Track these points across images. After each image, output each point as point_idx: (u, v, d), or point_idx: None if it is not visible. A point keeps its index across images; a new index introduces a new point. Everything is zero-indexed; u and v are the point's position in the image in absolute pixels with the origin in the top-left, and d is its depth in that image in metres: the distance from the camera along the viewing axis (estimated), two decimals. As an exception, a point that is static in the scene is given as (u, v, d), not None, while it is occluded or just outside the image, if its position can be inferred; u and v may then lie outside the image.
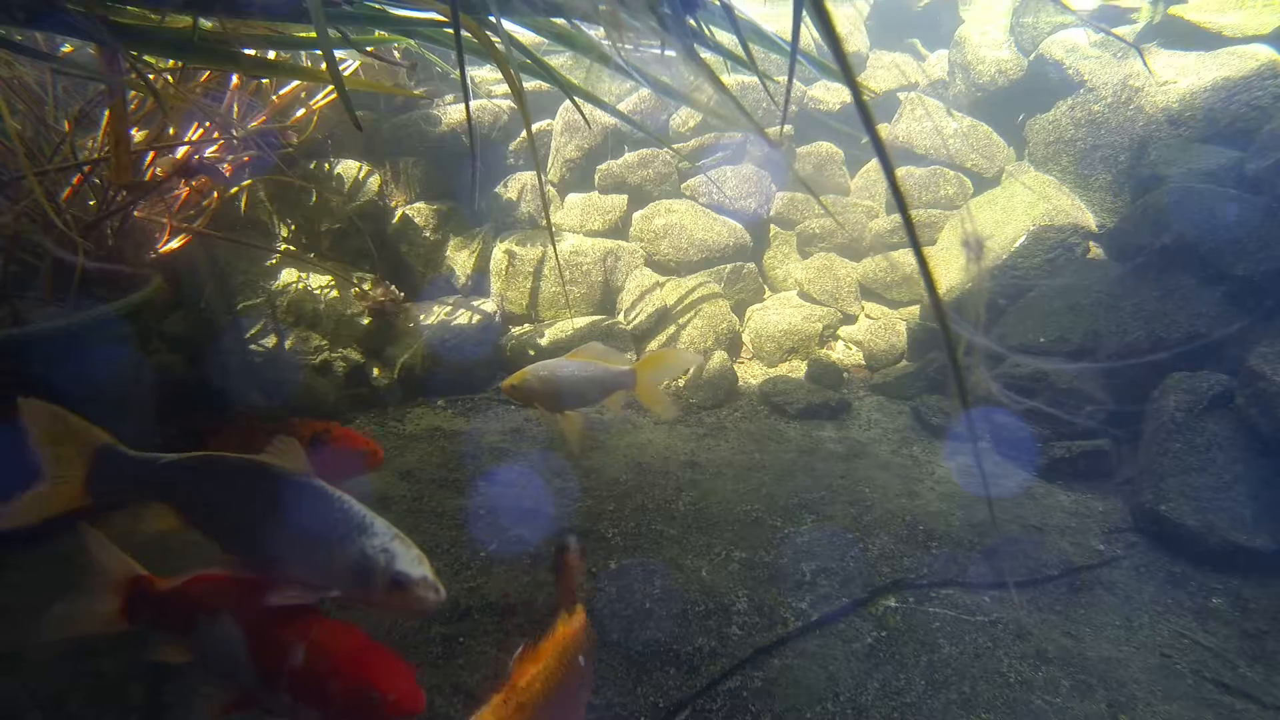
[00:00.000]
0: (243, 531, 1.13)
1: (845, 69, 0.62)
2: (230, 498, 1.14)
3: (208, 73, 2.55)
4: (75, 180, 2.20)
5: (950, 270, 3.01)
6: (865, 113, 0.64)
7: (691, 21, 1.53)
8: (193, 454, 1.17)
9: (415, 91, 3.44)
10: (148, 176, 2.43)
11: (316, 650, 1.02)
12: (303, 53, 2.85)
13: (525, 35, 2.41)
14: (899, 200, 0.69)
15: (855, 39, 3.80)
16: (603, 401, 1.81)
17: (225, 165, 2.70)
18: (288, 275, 3.20)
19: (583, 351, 1.80)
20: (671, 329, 3.12)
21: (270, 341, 2.91)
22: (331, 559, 1.05)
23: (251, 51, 1.99)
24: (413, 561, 1.05)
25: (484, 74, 3.61)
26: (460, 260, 3.43)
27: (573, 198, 3.56)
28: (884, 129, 3.62)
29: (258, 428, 1.70)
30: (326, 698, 1.00)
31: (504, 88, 3.55)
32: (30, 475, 1.51)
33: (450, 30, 1.79)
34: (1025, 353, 2.59)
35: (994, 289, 2.73)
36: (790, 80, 1.01)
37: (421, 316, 3.08)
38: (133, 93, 2.23)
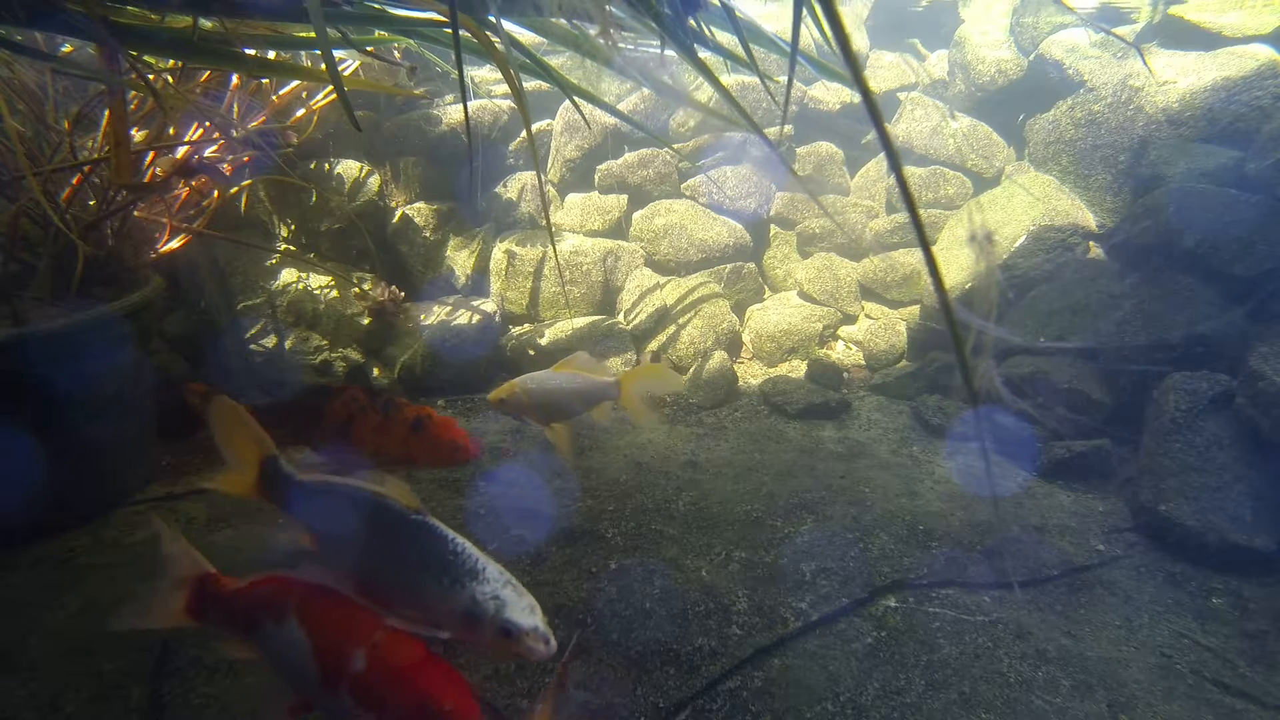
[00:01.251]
0: (360, 565, 1.14)
1: (852, 65, 0.62)
2: (349, 530, 1.16)
3: (208, 73, 2.55)
4: (75, 180, 2.20)
5: (951, 269, 3.01)
6: (874, 109, 0.64)
7: (692, 22, 1.53)
8: (322, 478, 1.20)
9: (415, 91, 3.44)
10: (148, 177, 2.43)
11: (377, 659, 1.03)
12: (303, 53, 2.85)
13: (525, 35, 2.41)
14: (905, 195, 0.69)
15: (856, 39, 3.80)
16: (589, 412, 1.82)
17: (225, 165, 2.70)
18: (288, 275, 3.21)
19: (569, 363, 1.82)
20: (671, 329, 3.12)
21: (270, 341, 2.92)
22: (442, 602, 1.05)
23: (251, 51, 1.99)
24: (524, 611, 1.03)
25: (484, 74, 3.61)
26: (460, 260, 3.43)
27: (573, 198, 3.56)
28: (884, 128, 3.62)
29: (365, 404, 1.74)
30: (385, 707, 1.01)
31: (504, 88, 3.54)
32: (30, 475, 1.53)
33: (449, 30, 1.79)
34: (1027, 352, 2.59)
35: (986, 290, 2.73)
36: (790, 81, 1.01)
37: (421, 316, 3.08)
38: (133, 93, 2.23)
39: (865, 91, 0.64)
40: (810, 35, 3.23)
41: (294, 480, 1.22)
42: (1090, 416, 2.39)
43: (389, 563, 1.11)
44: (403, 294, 3.13)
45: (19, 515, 1.86)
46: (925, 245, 0.67)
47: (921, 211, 3.38)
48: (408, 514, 1.12)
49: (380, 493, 1.14)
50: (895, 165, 0.65)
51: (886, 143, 0.64)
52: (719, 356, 2.96)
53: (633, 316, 3.18)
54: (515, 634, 1.01)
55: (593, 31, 1.85)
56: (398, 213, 3.44)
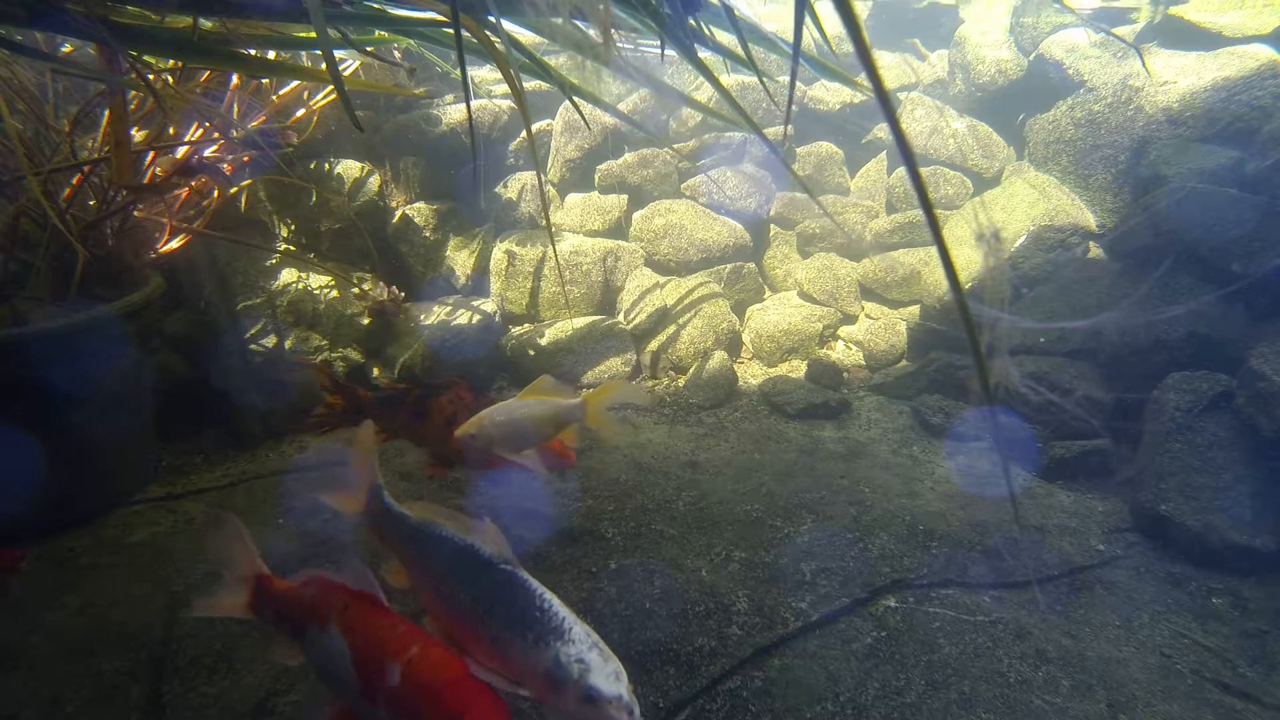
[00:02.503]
0: (448, 609, 1.14)
1: (869, 64, 0.62)
2: (440, 573, 1.17)
3: (208, 73, 2.55)
4: (75, 180, 2.20)
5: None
6: (886, 103, 0.64)
7: (691, 22, 1.53)
8: (417, 517, 1.21)
9: (415, 91, 3.44)
10: (148, 177, 2.43)
11: (412, 673, 1.02)
12: (303, 53, 2.85)
13: (525, 35, 2.41)
14: (918, 185, 0.68)
15: (855, 39, 3.80)
16: (557, 436, 1.81)
17: (225, 165, 2.70)
18: (288, 275, 3.21)
19: (532, 390, 1.79)
20: (671, 329, 3.12)
21: (270, 341, 2.92)
22: (525, 660, 1.02)
23: (251, 51, 1.99)
24: (609, 677, 0.99)
25: (484, 74, 3.60)
26: (460, 260, 3.43)
27: (573, 198, 3.56)
28: (884, 129, 3.62)
29: (469, 404, 1.81)
30: None
31: (504, 88, 3.54)
32: (30, 475, 1.53)
33: (450, 30, 1.79)
34: (1027, 352, 2.59)
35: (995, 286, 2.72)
36: (792, 82, 1.01)
37: (421, 316, 3.08)
38: (133, 93, 2.23)
39: (880, 90, 0.64)
40: (810, 35, 3.23)
41: (395, 513, 1.24)
42: (1091, 416, 2.39)
43: (475, 612, 1.09)
44: (403, 294, 3.13)
45: (19, 515, 1.86)
46: (939, 238, 0.67)
47: (921, 212, 3.38)
48: (498, 563, 1.11)
49: (474, 539, 1.13)
50: (908, 157, 0.65)
51: (898, 132, 0.64)
52: (719, 356, 2.96)
53: (633, 316, 3.18)
54: (598, 700, 0.97)
55: (592, 33, 1.85)
56: (398, 213, 3.44)
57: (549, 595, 1.06)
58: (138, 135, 2.41)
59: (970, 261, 2.89)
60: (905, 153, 0.65)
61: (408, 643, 1.05)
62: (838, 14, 0.63)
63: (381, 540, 1.31)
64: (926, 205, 0.68)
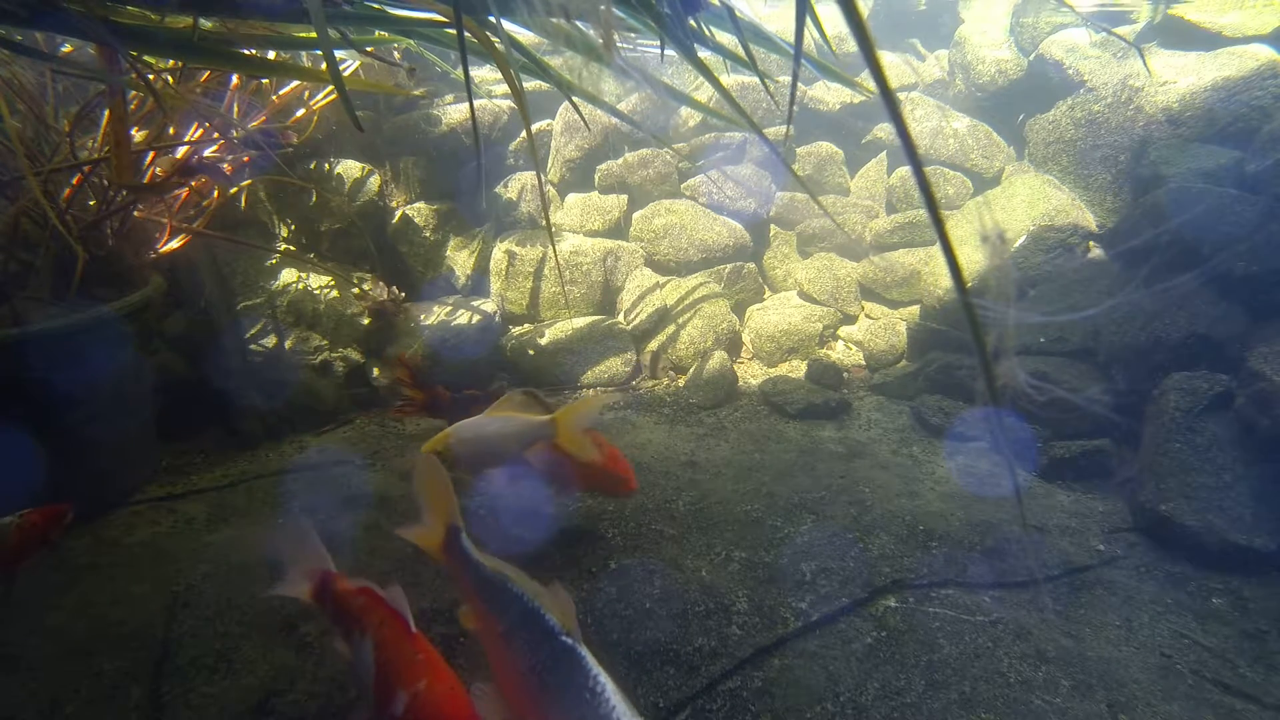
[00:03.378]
0: (506, 667, 1.15)
1: (873, 60, 0.62)
2: (504, 630, 1.17)
3: (208, 73, 2.55)
4: (75, 180, 2.20)
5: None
6: (892, 103, 0.64)
7: (692, 22, 1.53)
8: (491, 568, 1.22)
9: (415, 91, 3.44)
10: (148, 177, 2.43)
11: (418, 705, 1.05)
12: (303, 53, 2.85)
13: (525, 35, 2.41)
14: (923, 185, 0.68)
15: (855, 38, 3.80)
16: (524, 453, 1.76)
17: (225, 165, 2.70)
18: (288, 275, 3.21)
19: (501, 406, 1.78)
20: (671, 329, 3.12)
21: (270, 341, 2.92)
22: None
23: (251, 51, 1.99)
24: None
25: (484, 74, 3.60)
26: (460, 260, 3.43)
27: (573, 198, 3.56)
28: (884, 129, 3.62)
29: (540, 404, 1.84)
30: None
31: (504, 88, 3.54)
32: (30, 475, 1.53)
33: (449, 30, 1.79)
34: (1026, 352, 2.59)
35: (1000, 286, 2.72)
36: (795, 84, 1.01)
37: (421, 316, 3.08)
38: (133, 93, 2.23)
39: (886, 90, 0.64)
40: (811, 36, 3.23)
41: (471, 560, 1.25)
42: (1091, 417, 2.39)
43: (530, 679, 1.09)
44: (403, 294, 3.13)
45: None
46: (944, 237, 0.67)
47: (920, 211, 3.38)
48: (559, 634, 1.10)
49: (542, 601, 1.13)
50: (913, 156, 0.65)
51: (905, 135, 0.64)
52: (719, 356, 2.96)
53: (633, 316, 3.18)
54: None
55: (592, 33, 1.85)
56: (398, 213, 3.44)
57: (604, 678, 1.05)
58: (138, 135, 2.41)
59: (971, 261, 2.89)
60: (910, 152, 0.65)
61: (420, 674, 1.08)
62: (844, 17, 0.63)
63: (454, 581, 1.33)
64: (932, 204, 0.68)
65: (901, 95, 3.69)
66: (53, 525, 1.58)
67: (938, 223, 0.68)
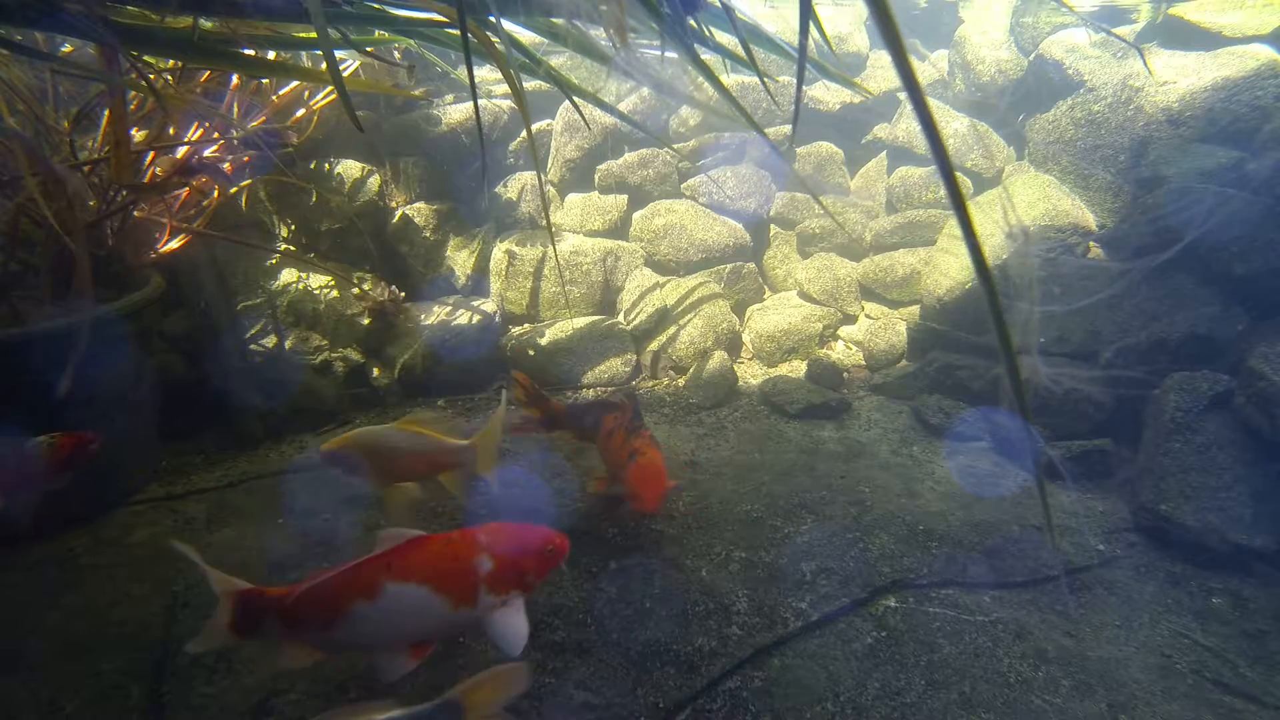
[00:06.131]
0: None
1: (901, 60, 0.61)
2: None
3: (208, 73, 2.55)
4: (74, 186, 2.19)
5: (952, 268, 3.01)
6: (919, 98, 0.63)
7: (692, 23, 1.53)
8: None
9: (415, 92, 3.44)
10: (148, 177, 2.43)
11: (497, 551, 1.27)
12: (303, 53, 2.85)
13: (525, 35, 2.41)
14: (947, 176, 0.67)
15: (855, 39, 3.80)
16: (443, 480, 1.69)
17: (225, 165, 2.70)
18: (288, 275, 3.20)
19: (412, 420, 1.68)
20: (671, 329, 3.12)
21: (270, 341, 2.92)
22: None
23: (251, 51, 1.99)
24: None
25: (484, 74, 3.60)
26: (460, 260, 3.43)
27: (573, 198, 3.56)
28: (884, 129, 3.62)
29: (623, 425, 1.90)
30: (526, 566, 1.29)
31: (504, 88, 3.54)
32: (28, 475, 1.53)
33: (450, 30, 1.79)
34: (1025, 353, 2.59)
35: (1004, 286, 2.71)
36: (799, 86, 1.01)
37: (421, 316, 3.08)
38: (133, 93, 2.23)
39: (913, 85, 0.63)
40: (811, 36, 3.23)
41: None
42: (1091, 417, 2.39)
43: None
44: (403, 294, 3.13)
45: (19, 515, 1.86)
46: (969, 230, 0.66)
47: (921, 211, 3.38)
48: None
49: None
50: (937, 146, 0.64)
51: (931, 129, 0.63)
52: (719, 356, 2.96)
53: (633, 316, 3.18)
54: None
55: (594, 33, 1.85)
56: (398, 213, 3.44)
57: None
58: (138, 135, 2.41)
59: (968, 262, 2.89)
60: (935, 141, 0.65)
61: (473, 539, 1.26)
62: (876, 25, 0.63)
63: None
64: (956, 197, 0.67)
65: (901, 95, 3.68)
66: (79, 451, 1.64)
67: (963, 218, 0.68)
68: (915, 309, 3.26)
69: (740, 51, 1.59)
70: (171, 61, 2.30)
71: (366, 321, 3.01)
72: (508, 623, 1.24)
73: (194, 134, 2.55)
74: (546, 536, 1.33)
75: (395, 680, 1.22)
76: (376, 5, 1.78)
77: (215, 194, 2.74)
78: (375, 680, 1.36)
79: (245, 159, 2.80)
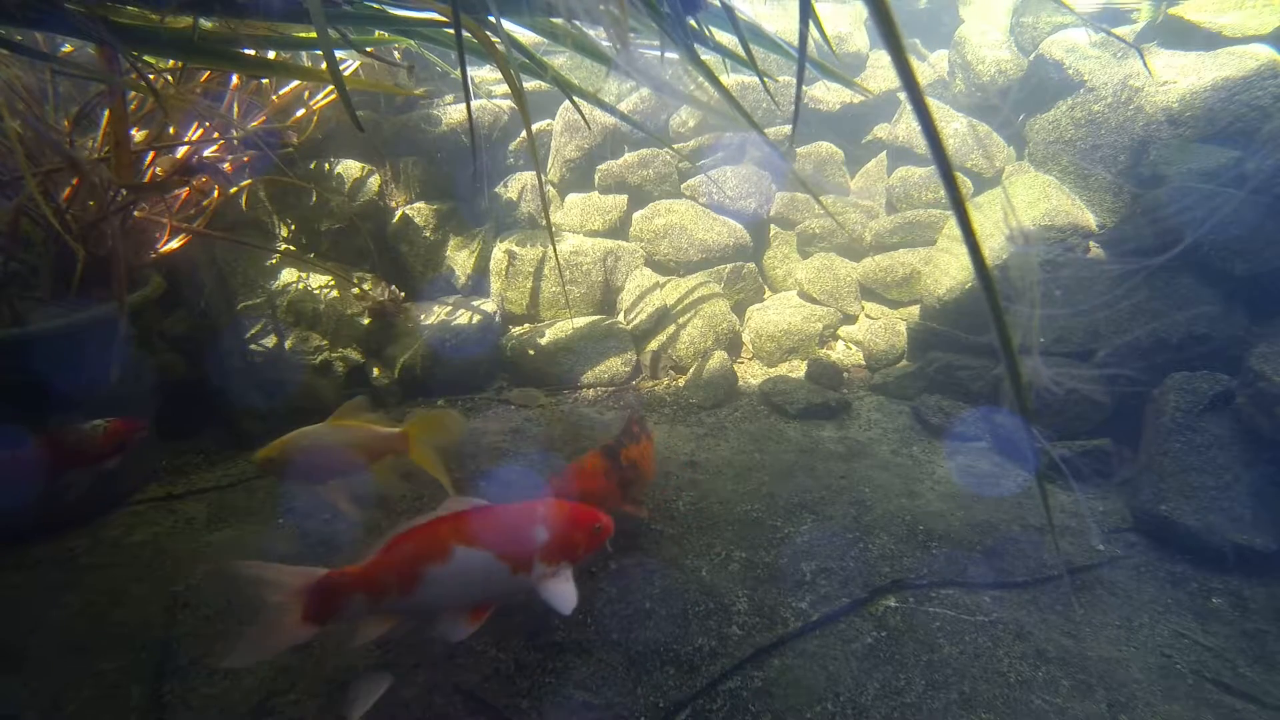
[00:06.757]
0: None
1: (901, 60, 0.61)
2: None
3: (208, 73, 2.55)
4: (75, 180, 2.20)
5: (951, 268, 3.01)
6: (918, 98, 0.63)
7: (692, 23, 1.53)
8: None
9: (415, 91, 3.44)
10: (148, 177, 2.43)
11: (555, 518, 1.41)
12: (303, 53, 2.85)
13: (525, 35, 2.41)
14: (946, 175, 0.68)
15: (855, 39, 3.80)
16: (371, 470, 1.69)
17: (225, 165, 2.70)
18: (288, 275, 3.20)
19: (343, 413, 1.69)
20: (671, 329, 3.12)
21: (270, 341, 2.91)
22: None
23: (251, 51, 1.99)
24: None
25: (484, 74, 3.60)
26: (460, 260, 3.43)
27: (573, 198, 3.56)
28: (884, 129, 3.62)
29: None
30: (577, 537, 1.42)
31: (504, 88, 3.54)
32: (29, 475, 1.53)
33: (450, 30, 1.79)
34: (1024, 353, 2.58)
35: (1004, 286, 2.71)
36: (799, 86, 1.01)
37: (421, 316, 3.08)
38: (133, 93, 2.23)
39: (912, 85, 0.63)
40: (811, 36, 3.23)
41: None
42: (1091, 417, 2.39)
43: None
44: (403, 294, 3.13)
45: (20, 515, 1.86)
46: (968, 230, 0.66)
47: (921, 211, 3.38)
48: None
49: None
50: (936, 145, 0.64)
51: (930, 129, 0.63)
52: (719, 356, 2.96)
53: (633, 316, 3.18)
54: None
55: (593, 33, 1.85)
56: (398, 213, 3.44)
57: None
58: (138, 135, 2.41)
59: (968, 262, 2.89)
60: (934, 142, 0.65)
61: (533, 507, 1.39)
62: (876, 24, 0.63)
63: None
64: (956, 197, 0.67)
65: (901, 95, 3.68)
66: (129, 435, 1.80)
67: (961, 216, 0.68)
68: (915, 309, 3.26)
69: (740, 51, 1.59)
70: (171, 61, 2.30)
71: (366, 321, 3.01)
72: (559, 590, 1.36)
73: (194, 134, 2.55)
74: (596, 516, 1.47)
75: (458, 641, 1.31)
76: (376, 5, 1.78)
77: (215, 194, 2.74)
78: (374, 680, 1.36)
79: (245, 159, 2.80)
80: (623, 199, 3.49)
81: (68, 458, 1.73)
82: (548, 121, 3.60)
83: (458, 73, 3.33)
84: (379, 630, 1.28)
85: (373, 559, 1.26)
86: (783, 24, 3.75)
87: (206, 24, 1.85)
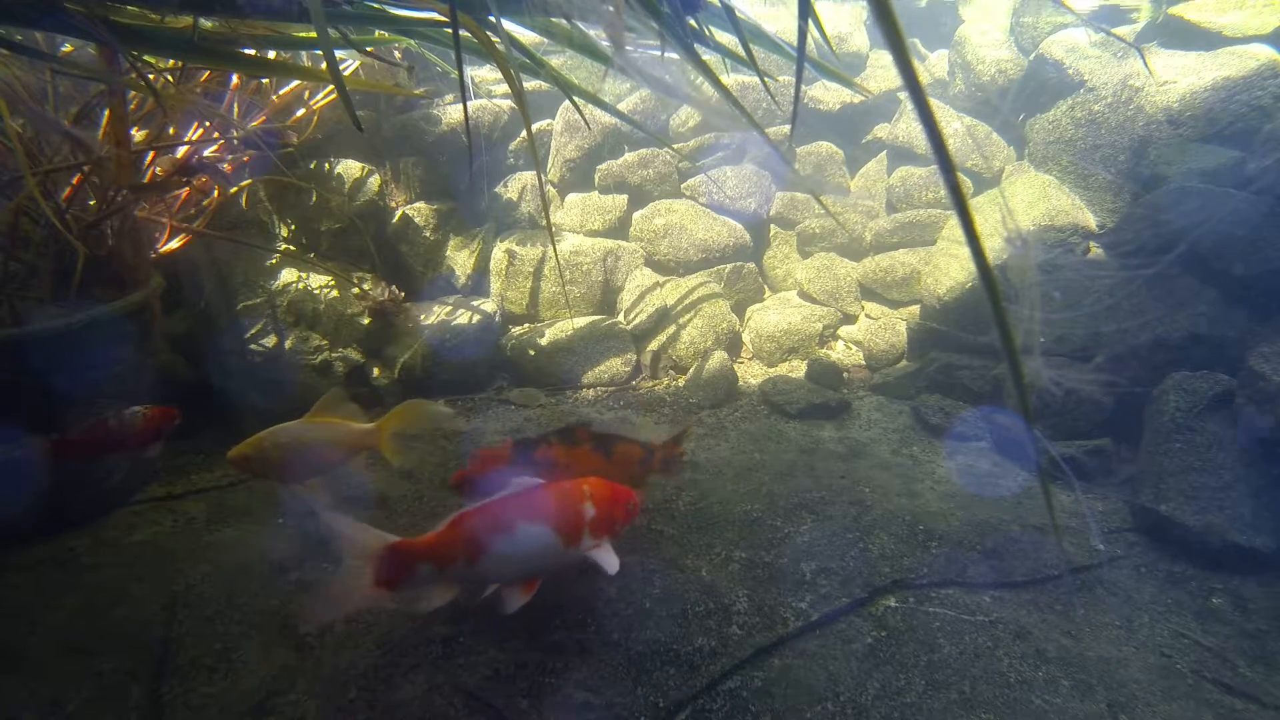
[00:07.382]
0: None
1: (904, 61, 0.61)
2: None
3: (208, 73, 2.55)
4: (75, 180, 2.20)
5: (951, 269, 3.01)
6: (921, 99, 0.63)
7: (692, 22, 1.53)
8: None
9: (415, 91, 3.44)
10: (148, 177, 2.43)
11: (598, 499, 1.52)
12: (303, 53, 2.85)
13: (525, 35, 2.41)
14: (949, 176, 0.67)
15: (855, 39, 3.80)
16: (347, 462, 1.71)
17: (225, 165, 2.70)
18: (288, 275, 3.20)
19: (323, 406, 1.69)
20: (671, 329, 3.12)
21: (270, 341, 2.91)
22: None
23: (251, 51, 1.99)
24: None
25: (484, 74, 3.60)
26: (460, 260, 3.43)
27: (573, 198, 3.56)
28: (884, 129, 3.62)
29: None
30: (615, 513, 1.54)
31: (504, 87, 3.54)
32: (29, 475, 1.53)
33: (449, 30, 1.79)
34: (1025, 354, 2.58)
35: (1005, 286, 2.71)
36: (799, 86, 1.01)
37: (421, 316, 3.08)
38: (133, 93, 2.23)
39: (915, 85, 0.63)
40: (811, 35, 3.23)
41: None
42: (1090, 417, 2.39)
43: None
44: (403, 294, 3.13)
45: (20, 515, 1.86)
46: (970, 230, 0.65)
47: (921, 211, 3.38)
48: None
49: None
50: (938, 144, 0.64)
51: (933, 128, 0.63)
52: (719, 356, 2.96)
53: (633, 316, 3.18)
54: None
55: (593, 33, 1.86)
56: (398, 213, 3.44)
57: None
58: (138, 135, 2.41)
59: (968, 262, 2.89)
60: (936, 141, 0.64)
61: (579, 485, 1.50)
62: (877, 24, 0.63)
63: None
64: (958, 197, 0.67)
65: (901, 95, 3.68)
66: (166, 421, 1.90)
67: (964, 216, 0.67)
68: (915, 309, 3.26)
69: (740, 51, 1.59)
70: (171, 61, 2.30)
71: (366, 321, 3.01)
72: (606, 559, 1.48)
73: (194, 134, 2.55)
74: (629, 493, 1.59)
75: (514, 611, 1.40)
76: (376, 5, 1.78)
77: (215, 194, 2.74)
78: (383, 679, 1.36)
79: (245, 159, 2.80)
80: (623, 199, 3.49)
81: (110, 444, 1.81)
82: (548, 121, 3.60)
83: (457, 72, 3.33)
84: (443, 599, 1.39)
85: (440, 531, 1.37)
86: (783, 24, 3.75)
87: (206, 24, 1.85)
